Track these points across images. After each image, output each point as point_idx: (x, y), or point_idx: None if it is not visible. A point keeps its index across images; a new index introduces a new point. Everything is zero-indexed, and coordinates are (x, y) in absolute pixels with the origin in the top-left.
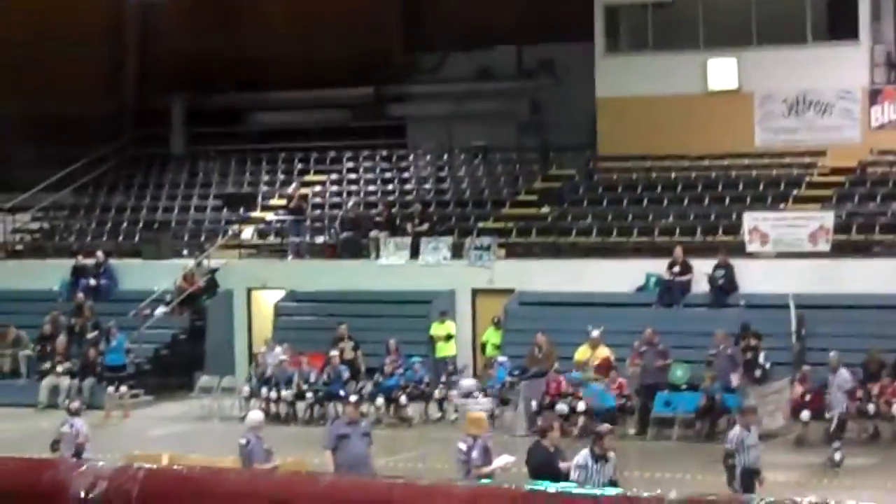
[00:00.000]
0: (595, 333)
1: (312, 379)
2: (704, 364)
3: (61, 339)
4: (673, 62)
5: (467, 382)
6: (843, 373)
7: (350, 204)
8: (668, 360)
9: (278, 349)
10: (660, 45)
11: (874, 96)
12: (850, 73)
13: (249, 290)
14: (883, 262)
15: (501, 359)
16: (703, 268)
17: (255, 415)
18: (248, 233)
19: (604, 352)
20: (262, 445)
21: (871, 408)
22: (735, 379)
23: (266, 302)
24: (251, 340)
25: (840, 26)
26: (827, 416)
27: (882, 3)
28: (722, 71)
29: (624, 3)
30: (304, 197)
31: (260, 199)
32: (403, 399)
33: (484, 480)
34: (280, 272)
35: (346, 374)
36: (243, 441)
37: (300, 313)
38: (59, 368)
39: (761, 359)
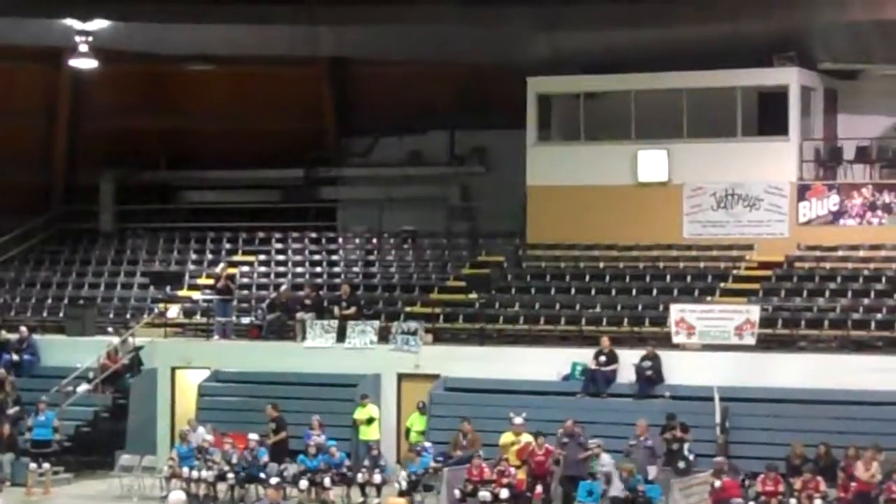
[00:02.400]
0: (518, 420)
1: (234, 460)
2: (623, 454)
3: None
4: (603, 152)
5: None
6: (605, 457)
7: (283, 288)
8: (588, 452)
9: (201, 429)
10: (591, 136)
11: (802, 192)
12: (779, 169)
13: (174, 370)
14: (808, 357)
15: (427, 444)
16: (629, 358)
17: (178, 495)
18: (173, 311)
19: (527, 439)
20: None
21: (792, 502)
22: (652, 471)
23: (190, 381)
24: (174, 420)
25: (770, 122)
26: None
27: (812, 100)
28: (652, 162)
29: (556, 93)
30: (232, 277)
31: (187, 277)
32: (327, 482)
33: None
34: (205, 352)
35: (264, 458)
36: None
37: (224, 394)
38: None
39: (686, 450)
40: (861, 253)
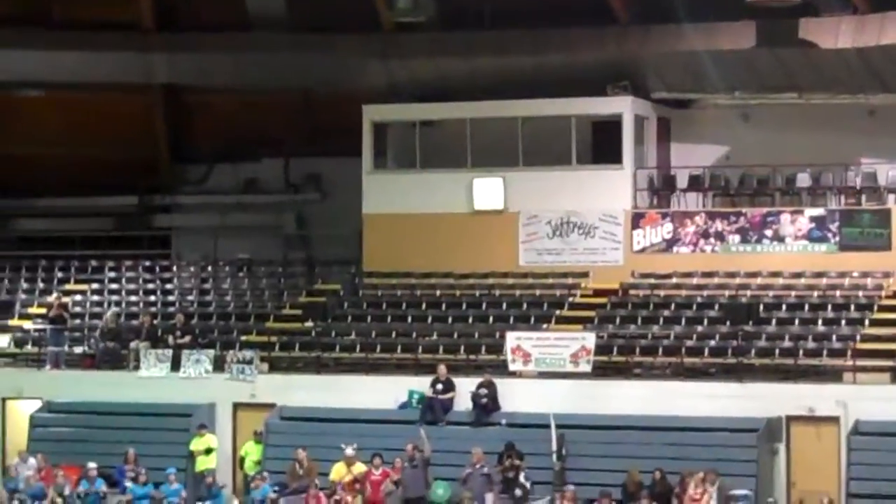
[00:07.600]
0: (349, 451)
1: (67, 492)
2: (460, 482)
3: None
4: (439, 180)
5: None
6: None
7: (108, 314)
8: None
9: (31, 461)
10: (427, 164)
11: (636, 220)
12: (614, 197)
13: (4, 400)
14: (642, 384)
15: (266, 474)
16: (466, 386)
17: None
18: (4, 341)
19: (360, 469)
20: None
21: None
22: (489, 499)
23: (21, 412)
24: (4, 452)
25: (604, 151)
26: None
27: (645, 129)
28: (488, 190)
29: (392, 121)
30: (65, 305)
31: (18, 306)
32: None
33: None
34: (37, 382)
35: (101, 487)
36: None
37: (57, 424)
38: None
39: (522, 478)
40: (694, 280)
